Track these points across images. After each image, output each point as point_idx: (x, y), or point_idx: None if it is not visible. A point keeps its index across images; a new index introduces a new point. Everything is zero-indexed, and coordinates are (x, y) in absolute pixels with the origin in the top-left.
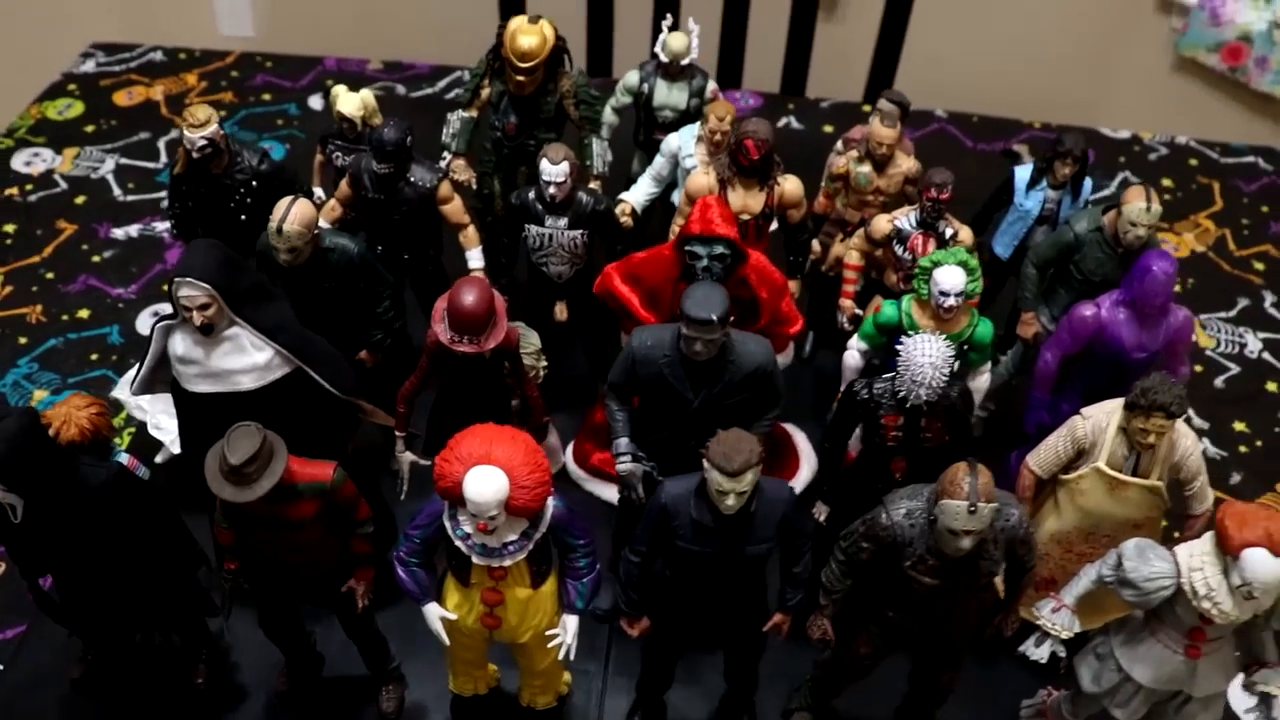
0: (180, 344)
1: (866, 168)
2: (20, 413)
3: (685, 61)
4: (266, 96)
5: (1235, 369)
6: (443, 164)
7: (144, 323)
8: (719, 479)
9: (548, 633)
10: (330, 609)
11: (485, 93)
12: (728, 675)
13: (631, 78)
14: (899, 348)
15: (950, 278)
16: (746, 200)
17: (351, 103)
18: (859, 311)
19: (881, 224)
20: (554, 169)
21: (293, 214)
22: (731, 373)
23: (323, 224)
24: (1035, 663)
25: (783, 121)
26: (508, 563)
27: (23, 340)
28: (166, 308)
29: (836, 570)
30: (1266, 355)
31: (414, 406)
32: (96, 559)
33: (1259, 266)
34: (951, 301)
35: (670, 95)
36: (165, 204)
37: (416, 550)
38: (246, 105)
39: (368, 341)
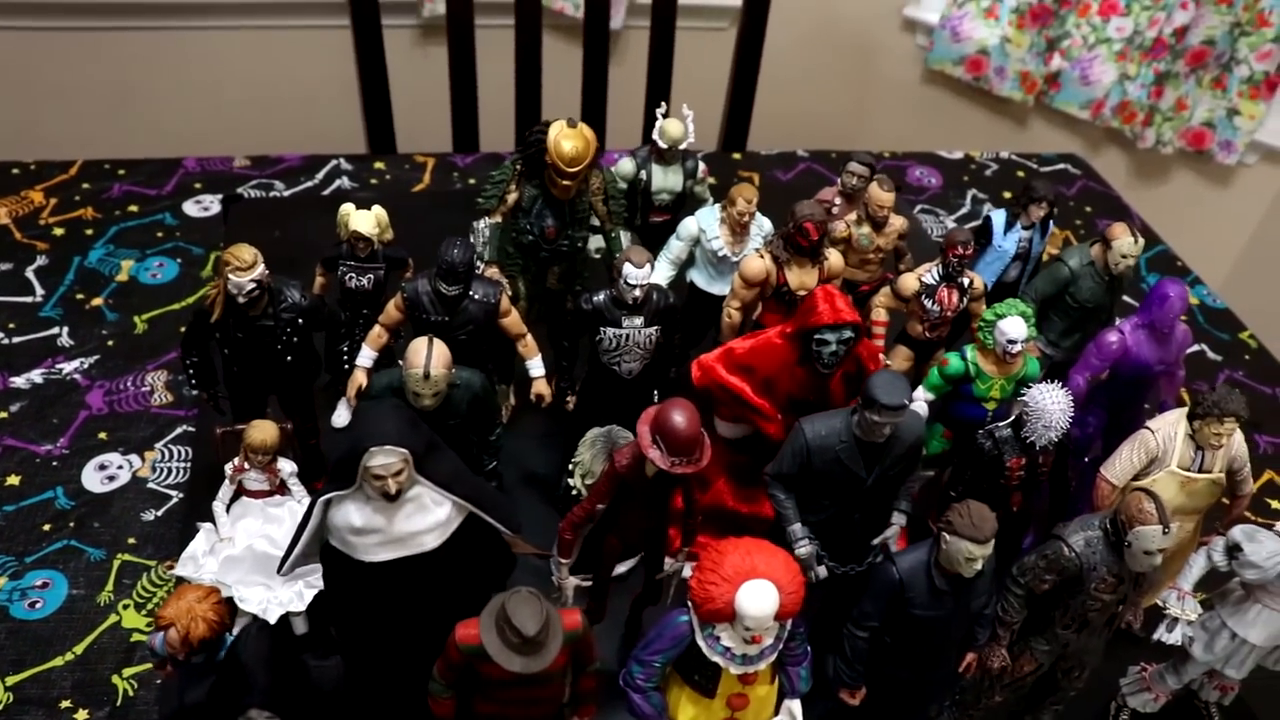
0: (357, 515)
1: (866, 229)
2: (257, 631)
3: (682, 146)
4: (133, 208)
5: None
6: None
7: (90, 478)
8: (970, 548)
9: None
10: None
11: (512, 198)
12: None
13: (626, 166)
14: (1024, 398)
15: (1015, 327)
16: (803, 278)
17: (367, 221)
18: (888, 363)
19: (910, 281)
20: (639, 272)
21: (435, 357)
22: (898, 447)
23: (368, 353)
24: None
25: None
26: (762, 666)
27: None
28: (114, 460)
29: (1015, 604)
30: None
31: (580, 534)
32: None
33: None
34: (1018, 348)
35: (666, 179)
36: (184, 357)
37: (655, 674)
38: (114, 220)
39: (481, 470)
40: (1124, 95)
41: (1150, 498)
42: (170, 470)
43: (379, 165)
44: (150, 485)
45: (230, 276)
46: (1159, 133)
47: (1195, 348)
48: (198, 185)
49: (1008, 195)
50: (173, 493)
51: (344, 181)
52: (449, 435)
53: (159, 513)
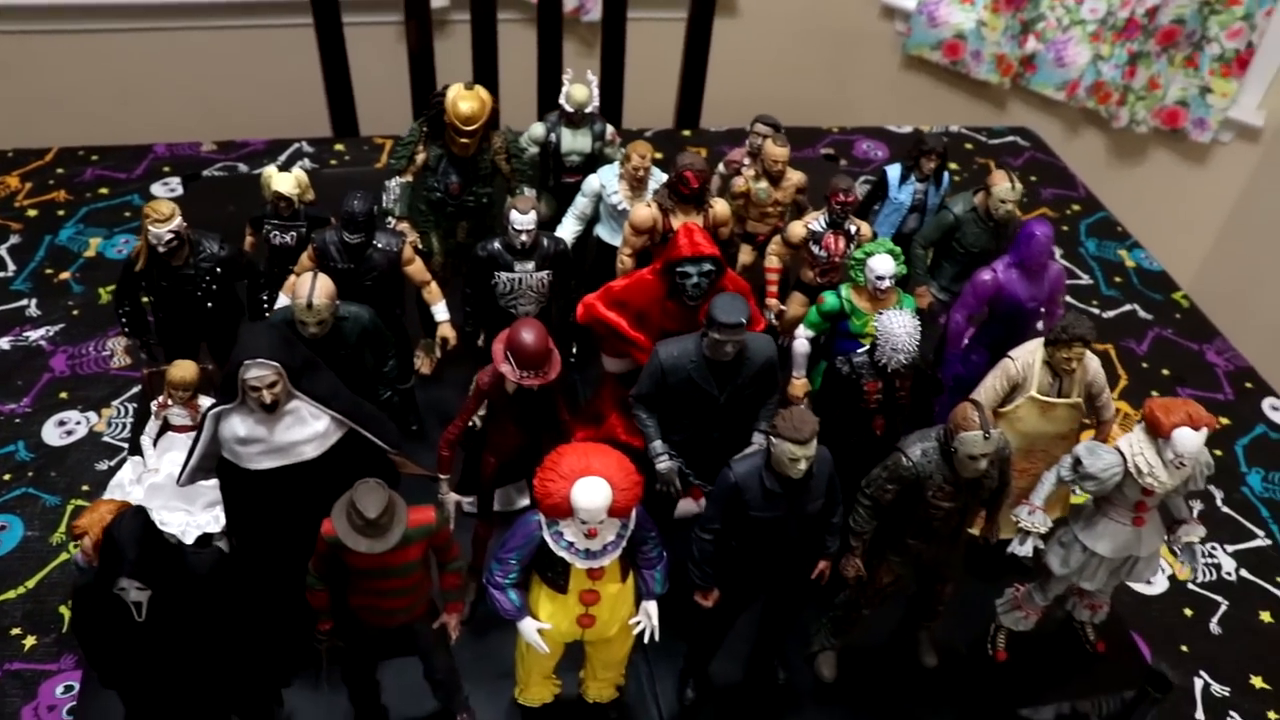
0: (241, 426)
1: (764, 183)
2: (133, 512)
3: (588, 110)
4: (104, 191)
5: None
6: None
7: (50, 433)
8: (793, 449)
9: (630, 621)
10: (416, 651)
11: (420, 158)
12: (765, 630)
13: (537, 129)
14: (876, 325)
15: (883, 264)
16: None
17: (287, 182)
18: (783, 307)
19: (797, 229)
20: (524, 218)
21: (318, 288)
22: (748, 367)
23: (283, 299)
24: (992, 571)
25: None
26: (606, 561)
27: None
28: (73, 416)
29: (864, 514)
30: None
31: (457, 450)
32: (192, 649)
33: None
34: (886, 284)
35: (575, 141)
36: (116, 307)
37: (512, 571)
38: (85, 202)
39: (377, 400)
40: (1098, 76)
41: (975, 406)
42: (124, 425)
43: (339, 147)
44: (105, 439)
45: (150, 228)
46: (1132, 112)
47: (1127, 307)
48: (166, 169)
49: (955, 167)
50: (125, 445)
51: (305, 163)
52: (343, 365)
53: (112, 463)
